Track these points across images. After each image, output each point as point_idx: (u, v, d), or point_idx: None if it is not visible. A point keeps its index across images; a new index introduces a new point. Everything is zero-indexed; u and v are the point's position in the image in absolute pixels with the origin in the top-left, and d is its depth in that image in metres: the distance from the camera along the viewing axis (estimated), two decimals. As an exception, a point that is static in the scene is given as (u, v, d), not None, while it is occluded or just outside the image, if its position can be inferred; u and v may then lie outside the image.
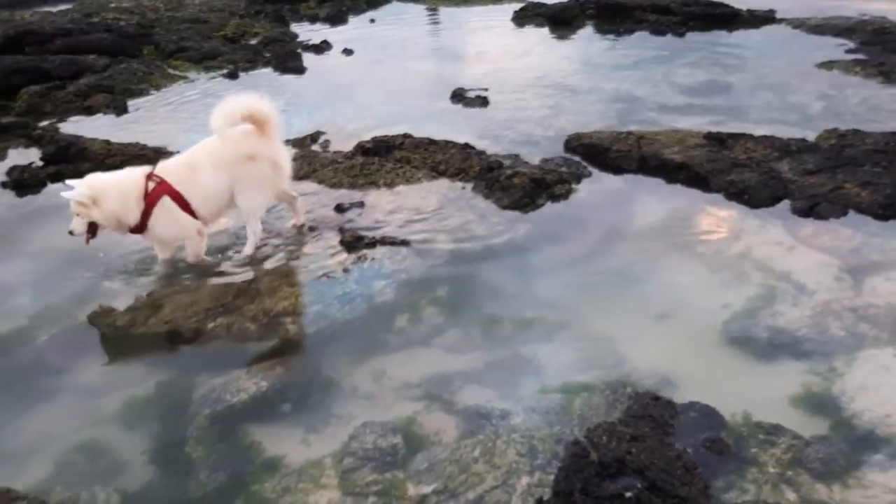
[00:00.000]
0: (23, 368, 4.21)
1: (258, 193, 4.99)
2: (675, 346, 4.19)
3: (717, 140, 6.60)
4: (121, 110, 8.33)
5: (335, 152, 6.94)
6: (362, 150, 6.84)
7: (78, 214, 4.57)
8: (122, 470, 3.48)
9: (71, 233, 4.63)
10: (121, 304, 4.67)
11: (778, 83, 8.57)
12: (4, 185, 6.46)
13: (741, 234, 5.32)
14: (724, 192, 5.87)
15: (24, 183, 6.44)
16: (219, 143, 4.80)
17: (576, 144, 6.80)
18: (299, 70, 9.90)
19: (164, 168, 4.78)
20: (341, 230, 5.41)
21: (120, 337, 4.39)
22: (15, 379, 4.13)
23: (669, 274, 4.87)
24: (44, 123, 7.86)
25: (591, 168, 6.45)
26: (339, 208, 5.82)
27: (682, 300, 4.58)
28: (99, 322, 4.50)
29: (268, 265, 5.05)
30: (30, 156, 6.99)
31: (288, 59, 10.06)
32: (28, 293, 4.89)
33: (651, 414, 3.44)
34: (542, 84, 8.91)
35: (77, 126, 7.76)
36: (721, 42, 10.56)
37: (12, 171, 6.57)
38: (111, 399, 3.92)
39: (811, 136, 6.70)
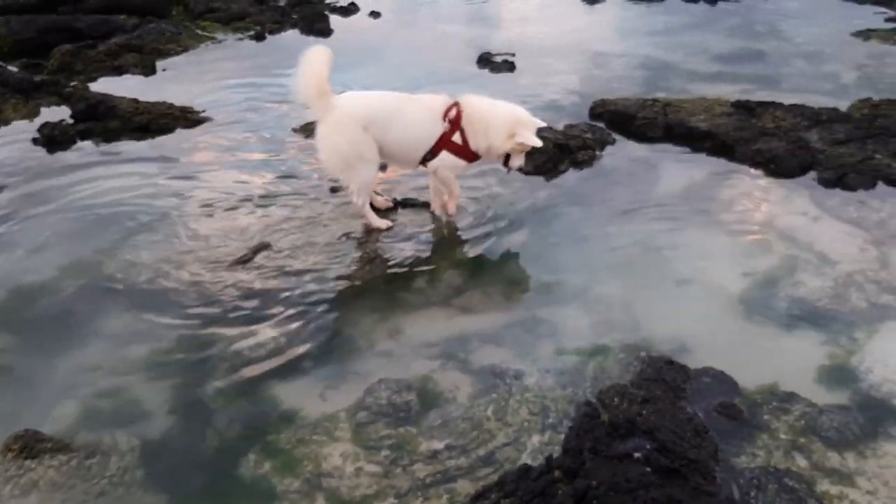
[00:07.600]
0: (51, 318, 4.25)
1: None
2: (693, 312, 4.19)
3: (746, 108, 6.52)
4: (149, 70, 8.39)
5: (360, 114, 6.92)
6: (387, 112, 6.80)
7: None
8: (144, 417, 3.54)
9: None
10: (145, 258, 4.72)
11: (812, 52, 8.44)
12: (35, 140, 6.52)
13: (765, 204, 5.29)
14: (749, 162, 5.81)
15: (55, 139, 6.50)
16: None
17: (601, 111, 6.74)
18: (326, 32, 9.83)
19: None
20: (363, 192, 5.41)
21: (144, 290, 4.45)
22: (44, 328, 4.19)
23: (691, 241, 4.85)
24: (75, 82, 7.90)
25: (615, 135, 6.39)
26: (362, 170, 5.82)
27: (703, 268, 4.56)
28: (123, 275, 4.56)
29: (288, 224, 5.07)
30: (61, 113, 7.03)
31: (315, 21, 10.01)
32: (56, 247, 4.90)
33: (664, 378, 3.44)
34: (570, 49, 8.82)
35: (106, 85, 7.81)
36: (756, 9, 10.38)
37: (44, 127, 6.63)
38: (135, 350, 3.98)
39: (844, 105, 6.59)
